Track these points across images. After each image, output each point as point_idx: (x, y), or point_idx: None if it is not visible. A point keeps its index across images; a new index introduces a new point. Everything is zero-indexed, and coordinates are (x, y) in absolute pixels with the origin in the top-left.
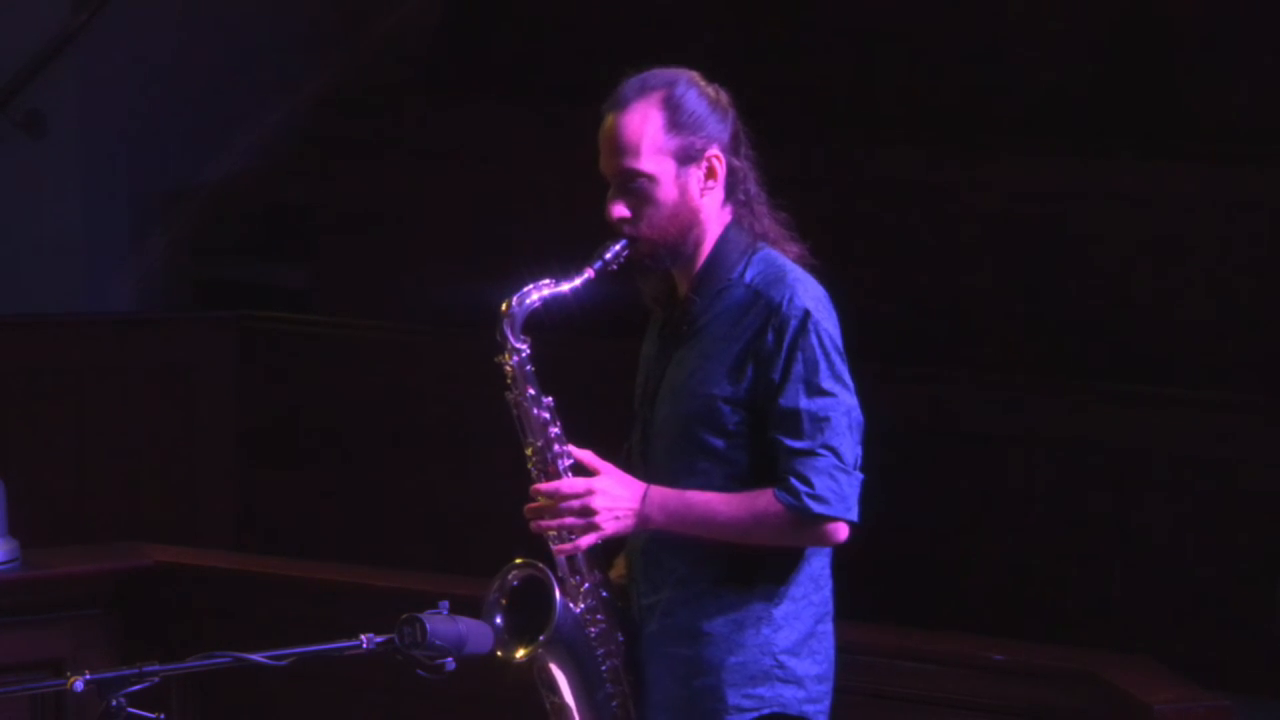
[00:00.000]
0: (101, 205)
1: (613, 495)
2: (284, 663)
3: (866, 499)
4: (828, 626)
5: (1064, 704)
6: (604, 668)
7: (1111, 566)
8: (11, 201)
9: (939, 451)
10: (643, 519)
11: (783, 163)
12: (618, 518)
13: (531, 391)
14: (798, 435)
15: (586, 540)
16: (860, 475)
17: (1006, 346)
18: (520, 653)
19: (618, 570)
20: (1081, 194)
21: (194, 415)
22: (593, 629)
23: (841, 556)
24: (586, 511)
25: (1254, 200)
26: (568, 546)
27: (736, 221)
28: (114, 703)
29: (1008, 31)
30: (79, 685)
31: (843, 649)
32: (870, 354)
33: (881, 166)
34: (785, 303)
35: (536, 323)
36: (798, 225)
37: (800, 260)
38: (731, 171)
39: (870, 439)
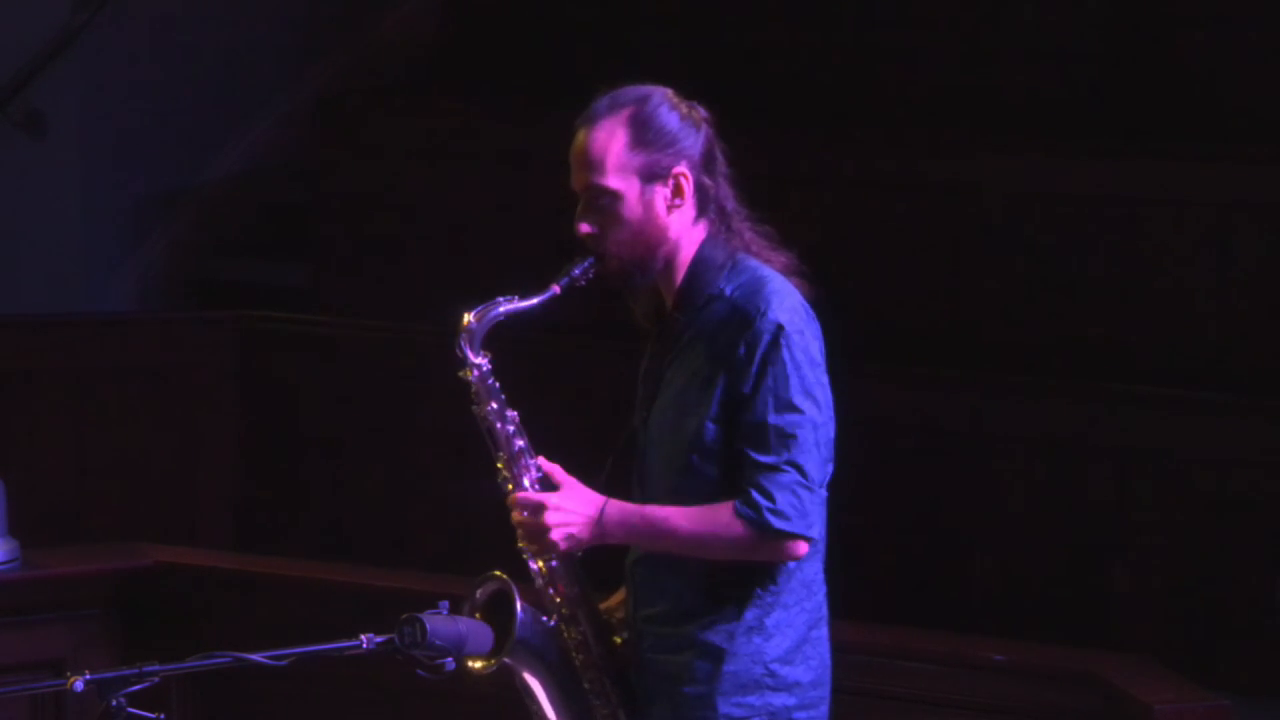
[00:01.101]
0: (101, 205)
1: (565, 510)
2: (284, 663)
3: (866, 498)
4: (821, 632)
5: (1064, 704)
6: (585, 680)
7: (1111, 567)
8: (11, 201)
9: (939, 451)
10: (598, 533)
11: (781, 162)
12: (570, 534)
13: (494, 405)
14: (764, 449)
15: (542, 555)
16: (824, 493)
17: (1007, 346)
18: (478, 665)
19: (617, 598)
20: (1083, 194)
21: (194, 415)
22: (570, 640)
23: (841, 556)
24: (538, 527)
25: (1256, 200)
26: (533, 562)
27: (711, 237)
28: (114, 703)
29: (1009, 29)
30: (79, 685)
31: (842, 649)
32: (870, 354)
33: (881, 166)
34: (759, 315)
35: (506, 331)
36: (795, 225)
37: (787, 269)
38: (701, 189)
39: (870, 439)
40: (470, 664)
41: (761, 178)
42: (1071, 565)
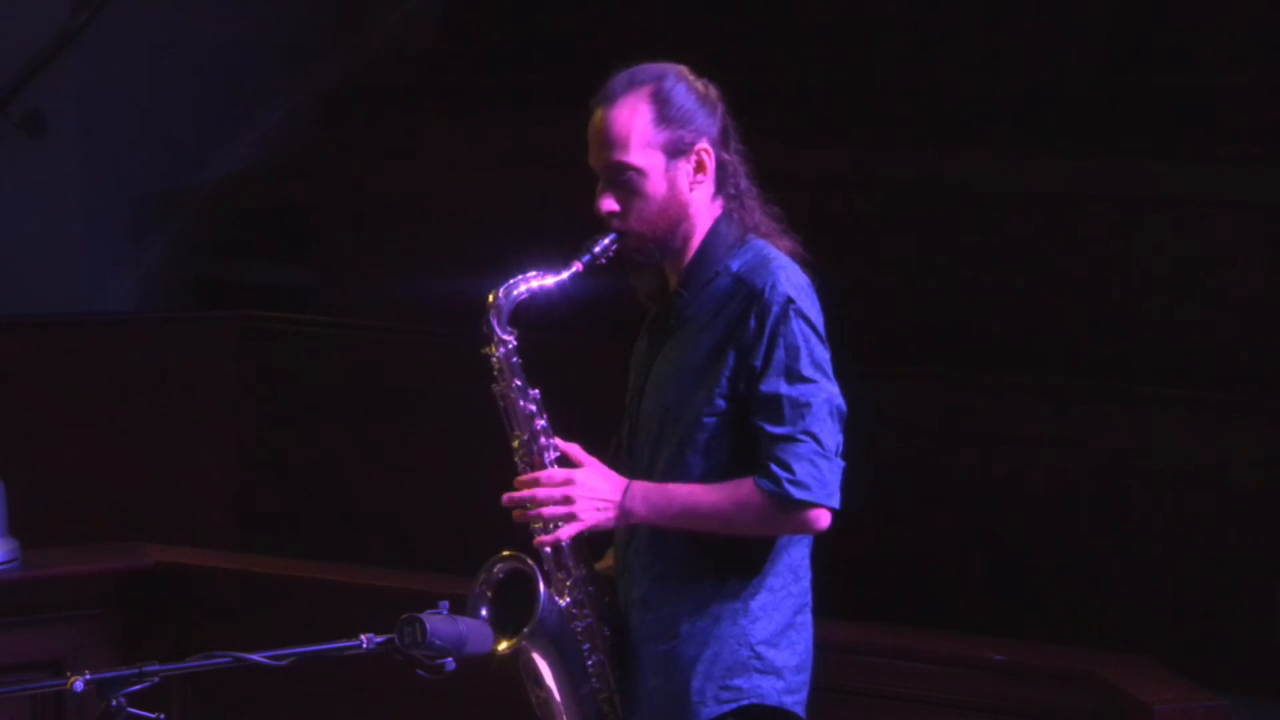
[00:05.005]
0: (101, 205)
1: (593, 486)
2: (284, 663)
3: (866, 498)
4: (806, 618)
5: (1064, 704)
6: (590, 662)
7: (1111, 567)
8: (11, 201)
9: (939, 451)
10: (624, 512)
11: (781, 161)
12: (598, 509)
13: (518, 383)
14: (778, 421)
15: (567, 531)
16: (841, 462)
17: (1007, 346)
18: (503, 645)
19: (606, 562)
20: (1083, 194)
21: (194, 415)
22: (578, 623)
23: (840, 555)
24: (567, 501)
25: (1255, 200)
26: (549, 538)
27: (726, 215)
28: (114, 703)
29: (1009, 30)
30: (79, 685)
31: (842, 649)
32: (870, 353)
33: (881, 166)
34: (767, 289)
35: (526, 318)
36: (795, 223)
37: (792, 254)
38: (721, 165)
39: (870, 438)
40: (496, 646)
41: (759, 177)
42: (1072, 565)
